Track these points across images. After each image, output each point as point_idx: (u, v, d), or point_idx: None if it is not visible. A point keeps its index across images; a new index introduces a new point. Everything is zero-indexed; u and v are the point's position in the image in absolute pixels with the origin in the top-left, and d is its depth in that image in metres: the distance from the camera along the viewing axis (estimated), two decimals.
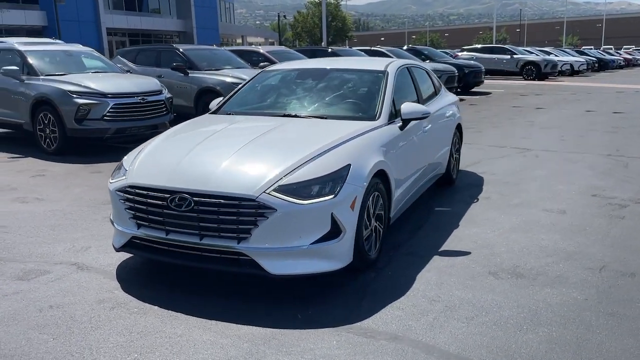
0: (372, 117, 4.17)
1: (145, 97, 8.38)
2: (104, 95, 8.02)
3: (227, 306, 3.19)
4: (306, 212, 3.13)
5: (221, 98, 5.02)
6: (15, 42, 9.35)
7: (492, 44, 45.12)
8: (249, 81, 5.10)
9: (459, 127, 6.18)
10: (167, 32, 47.20)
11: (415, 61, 6.27)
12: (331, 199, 3.20)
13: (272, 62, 10.96)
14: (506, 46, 30.39)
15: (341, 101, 4.56)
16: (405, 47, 20.59)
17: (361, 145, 3.68)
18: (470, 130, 10.27)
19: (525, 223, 4.74)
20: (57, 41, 14.71)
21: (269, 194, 3.10)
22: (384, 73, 4.65)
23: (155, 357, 2.62)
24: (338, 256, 3.30)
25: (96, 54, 10.11)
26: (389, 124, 4.18)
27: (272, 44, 65.03)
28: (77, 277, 3.59)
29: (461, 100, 16.77)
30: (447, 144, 5.71)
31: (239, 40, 60.86)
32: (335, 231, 3.23)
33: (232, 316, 3.04)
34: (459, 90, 18.64)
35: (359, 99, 4.55)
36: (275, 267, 3.13)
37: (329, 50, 16.50)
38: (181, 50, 11.35)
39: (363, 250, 3.53)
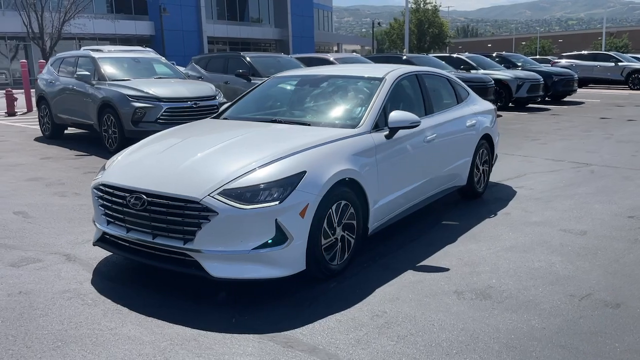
0: (354, 125, 4.09)
1: (197, 102, 8.79)
2: (158, 99, 8.53)
3: (175, 305, 3.28)
4: (248, 217, 3.15)
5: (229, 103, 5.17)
6: (91, 50, 10.20)
7: (601, 50, 42.07)
8: (257, 86, 5.21)
9: (487, 138, 5.86)
10: (264, 40, 48.95)
11: (435, 69, 6.02)
12: (276, 205, 3.19)
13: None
14: (611, 53, 28.19)
15: (330, 108, 4.53)
16: (495, 54, 19.81)
17: (327, 153, 3.63)
18: (535, 142, 9.71)
19: (530, 242, 4.41)
20: (147, 49, 15.85)
21: (213, 197, 3.16)
22: (381, 80, 4.54)
23: (76, 347, 2.77)
24: (285, 263, 3.28)
25: (163, 60, 10.74)
26: (373, 132, 4.08)
27: (369, 51, 65.22)
28: (60, 268, 3.86)
29: (545, 110, 15.93)
30: (467, 155, 5.44)
31: (335, 48, 61.68)
32: (280, 238, 3.22)
33: (172, 315, 3.13)
34: (547, 99, 17.62)
35: (347, 106, 4.49)
36: (217, 269, 3.18)
37: (404, 57, 16.26)
38: (247, 58, 11.75)
39: (321, 259, 3.48)
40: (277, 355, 2.70)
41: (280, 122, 4.34)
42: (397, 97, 4.60)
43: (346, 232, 3.73)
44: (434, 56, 17.65)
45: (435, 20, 58.51)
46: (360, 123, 4.10)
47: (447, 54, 18.38)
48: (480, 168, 5.81)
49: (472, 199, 5.77)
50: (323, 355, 2.70)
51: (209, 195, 3.17)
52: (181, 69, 11.93)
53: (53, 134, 10.61)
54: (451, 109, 5.35)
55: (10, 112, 15.88)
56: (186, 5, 39.88)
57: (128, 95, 8.57)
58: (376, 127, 4.15)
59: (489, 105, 6.19)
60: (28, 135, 11.32)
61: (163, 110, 8.48)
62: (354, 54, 15.42)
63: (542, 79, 16.62)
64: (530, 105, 16.98)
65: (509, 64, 18.94)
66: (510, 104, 16.20)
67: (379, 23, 56.02)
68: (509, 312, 3.18)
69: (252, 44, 48.55)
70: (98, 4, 37.91)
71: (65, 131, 10.82)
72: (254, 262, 3.21)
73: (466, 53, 19.07)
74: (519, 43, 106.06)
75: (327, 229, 3.51)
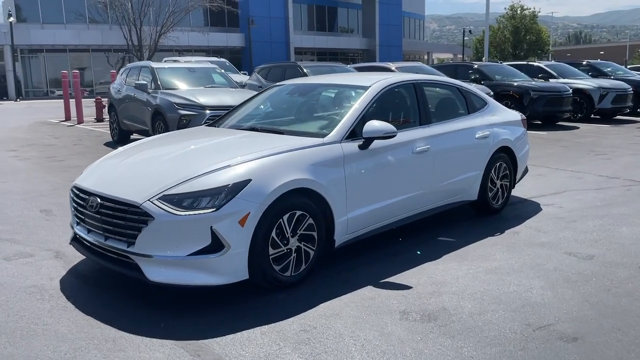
0: (324, 134, 4.01)
1: None
2: (202, 107, 8.87)
3: (119, 306, 3.39)
4: (183, 223, 3.19)
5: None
6: (152, 62, 10.84)
7: None
8: (256, 95, 5.26)
9: (506, 151, 5.49)
10: (352, 50, 49.29)
11: (440, 77, 5.73)
12: (211, 212, 3.21)
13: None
14: None
15: (308, 116, 4.48)
16: (584, 62, 18.55)
17: (282, 162, 3.58)
18: (597, 157, 9.00)
19: (521, 265, 4.08)
20: (221, 60, 16.54)
21: (152, 202, 3.24)
22: (365, 89, 4.42)
23: (5, 339, 2.94)
24: (223, 271, 3.27)
25: (219, 71, 11.15)
26: (345, 141, 3.98)
27: (461, 59, 63.48)
28: (43, 264, 4.12)
29: (634, 122, 14.62)
30: (477, 169, 5.14)
31: (426, 57, 60.77)
32: (216, 245, 3.22)
33: (108, 315, 3.23)
34: (639, 110, 16.18)
35: (324, 115, 4.41)
36: (154, 273, 3.24)
37: (475, 66, 15.67)
38: (304, 68, 11.91)
39: (268, 269, 3.44)
40: None
41: (258, 130, 4.36)
42: (383, 106, 4.46)
43: (303, 243, 3.65)
44: (510, 64, 16.85)
45: (533, 26, 55.93)
46: (331, 132, 4.01)
47: (525, 62, 17.46)
48: (497, 183, 5.45)
49: (487, 215, 5.43)
50: None
51: (148, 200, 3.25)
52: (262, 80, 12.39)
53: (120, 139, 11.36)
54: (457, 120, 5.08)
55: (99, 118, 17.24)
56: (275, 17, 41.17)
57: (175, 103, 9.00)
58: (352, 136, 4.04)
59: (512, 116, 5.81)
60: (102, 139, 12.20)
61: (207, 118, 8.79)
62: (419, 63, 15.06)
63: (630, 89, 15.32)
64: (618, 117, 15.71)
65: (597, 73, 17.62)
66: (593, 115, 15.07)
67: (469, 31, 54.41)
68: (445, 337, 2.96)
69: (340, 53, 49.07)
70: (195, 18, 40.13)
71: (131, 136, 11.53)
72: (191, 269, 3.24)
73: (548, 61, 18.01)
74: (634, 50, 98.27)
75: (276, 238, 3.47)
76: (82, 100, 17.23)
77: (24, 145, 11.27)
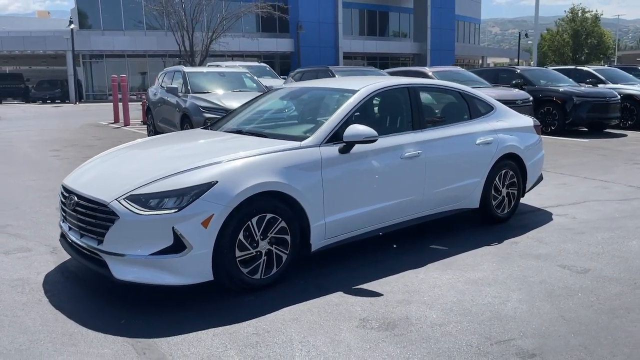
0: (303, 138, 3.99)
1: None
2: (227, 110, 9.00)
3: (89, 302, 3.50)
4: (145, 223, 3.26)
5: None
6: (184, 67, 11.14)
7: None
8: (254, 99, 5.30)
9: (513, 158, 5.29)
10: (402, 54, 48.84)
11: (441, 82, 5.54)
12: (173, 212, 3.26)
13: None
14: None
15: (297, 120, 4.46)
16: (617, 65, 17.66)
17: (253, 164, 3.59)
18: (634, 167, 8.52)
19: (507, 276, 3.91)
20: (261, 64, 16.81)
21: (119, 201, 3.32)
22: (353, 93, 4.37)
23: None
24: (186, 272, 3.31)
25: (249, 75, 11.31)
26: (324, 145, 3.94)
27: (521, 64, 61.64)
28: (37, 259, 4.30)
29: None
30: (477, 176, 4.97)
31: (480, 62, 59.42)
32: (178, 246, 3.27)
33: (76, 310, 3.34)
34: None
35: (312, 119, 4.38)
36: (119, 271, 3.32)
37: (517, 71, 15.18)
38: (334, 71, 11.92)
39: (235, 272, 3.46)
40: (118, 359, 2.76)
41: (243, 133, 4.40)
42: (373, 110, 4.40)
43: (275, 246, 3.65)
44: (556, 69, 16.23)
45: (594, 30, 53.67)
46: (311, 136, 3.99)
47: (574, 67, 16.78)
48: (503, 191, 5.25)
49: (491, 224, 5.24)
50: None
51: (115, 199, 3.34)
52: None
53: None
54: (456, 125, 4.94)
55: (144, 121, 17.84)
56: (324, 22, 41.37)
57: (201, 106, 9.21)
58: (334, 140, 4.00)
59: (523, 122, 5.59)
60: None
61: None
62: (458, 67, 14.74)
63: None
64: None
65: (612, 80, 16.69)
66: None
67: (525, 34, 52.75)
68: (395, 346, 2.88)
69: (391, 58, 48.75)
70: (248, 23, 40.91)
71: None
72: (154, 268, 3.29)
73: (599, 66, 17.22)
74: None
75: (244, 241, 3.48)
76: (136, 103, 17.87)
77: (67, 146, 11.80)
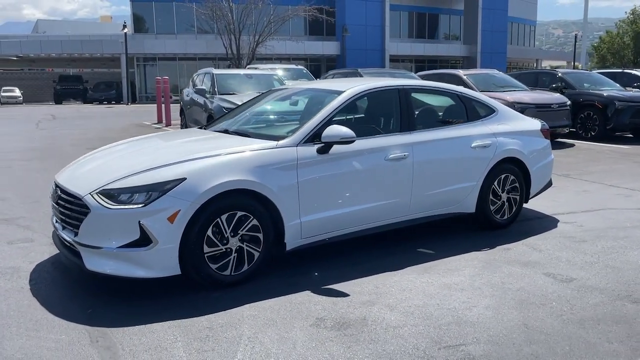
0: (282, 137, 4.03)
1: None
2: None
3: (68, 292, 3.66)
4: (113, 216, 3.39)
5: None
6: (214, 69, 11.40)
7: None
8: (249, 100, 5.38)
9: (515, 162, 5.15)
10: (452, 57, 48.06)
11: (436, 84, 5.38)
12: (139, 207, 3.37)
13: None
14: None
15: (284, 119, 4.50)
16: None
17: (225, 163, 3.66)
18: None
19: (484, 283, 3.83)
20: (299, 67, 17.00)
21: (92, 195, 3.47)
22: (339, 94, 4.38)
23: None
24: (153, 265, 3.42)
25: (276, 77, 11.46)
26: (302, 145, 3.97)
27: (577, 66, 59.40)
28: (35, 249, 4.53)
29: None
30: (472, 179, 4.87)
31: (534, 64, 57.68)
32: (144, 240, 3.38)
33: (50, 299, 3.51)
34: None
35: (297, 118, 4.41)
36: (91, 263, 3.46)
37: (558, 74, 14.66)
38: (362, 73, 11.90)
39: (202, 267, 3.54)
40: (73, 346, 2.88)
41: (229, 132, 4.48)
42: (358, 111, 4.40)
43: (246, 243, 3.71)
44: (601, 72, 15.57)
45: None
46: (288, 136, 4.03)
47: (621, 70, 16.07)
48: (503, 196, 5.12)
49: (489, 229, 5.12)
50: (106, 352, 2.80)
51: (89, 193, 3.48)
52: None
53: None
54: (449, 127, 4.86)
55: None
56: (371, 25, 41.28)
57: (225, 107, 9.40)
58: (314, 140, 4.03)
59: (528, 125, 5.43)
60: None
61: None
62: (494, 70, 14.37)
63: None
64: None
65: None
66: None
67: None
68: (341, 346, 2.88)
69: (440, 61, 48.08)
70: (296, 27, 41.38)
71: None
72: (123, 261, 3.42)
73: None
74: None
75: (213, 237, 3.56)
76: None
77: (106, 144, 12.29)
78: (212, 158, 3.69)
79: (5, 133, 14.87)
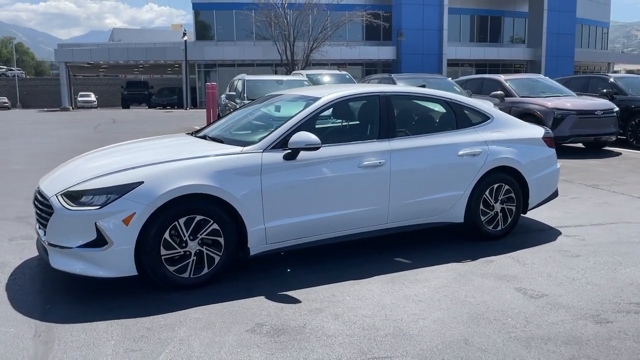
0: (249, 143, 4.08)
1: None
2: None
3: (45, 288, 3.86)
4: (72, 217, 3.55)
5: None
6: (246, 75, 11.66)
7: None
8: (244, 106, 5.47)
9: (510, 171, 4.95)
10: (514, 61, 46.54)
11: (424, 90, 5.20)
12: (95, 209, 3.51)
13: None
14: None
15: (261, 126, 4.53)
16: None
17: (185, 167, 3.74)
18: None
19: (448, 294, 3.71)
20: (342, 72, 17.11)
21: (57, 196, 3.65)
22: (315, 100, 4.37)
23: None
24: (109, 265, 3.55)
25: (307, 82, 11.54)
26: (268, 151, 4.00)
27: None
28: (30, 247, 4.76)
29: None
30: (459, 188, 4.72)
31: (605, 68, 54.82)
32: (100, 240, 3.52)
33: (23, 295, 3.72)
34: None
35: (274, 124, 4.43)
36: (56, 261, 3.64)
37: (610, 79, 13.88)
38: (395, 79, 11.77)
39: (159, 269, 3.63)
40: (16, 339, 3.05)
41: (207, 138, 4.58)
42: (334, 118, 4.38)
43: (206, 247, 3.78)
44: None
45: None
46: (256, 142, 4.07)
47: None
48: (496, 206, 4.93)
49: (481, 240, 4.93)
50: (42, 346, 2.94)
51: (54, 195, 3.67)
52: None
53: None
54: (435, 134, 4.73)
55: None
56: (428, 29, 40.66)
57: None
58: (283, 146, 4.05)
59: (527, 133, 5.20)
60: None
61: None
62: (540, 75, 13.80)
63: None
64: None
65: None
66: None
67: None
68: (264, 352, 2.88)
69: (502, 65, 46.68)
70: (353, 32, 41.46)
71: None
72: (82, 260, 3.57)
73: None
74: None
75: (170, 240, 3.65)
76: None
77: None
78: (173, 163, 3.79)
79: (60, 135, 15.79)
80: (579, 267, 4.28)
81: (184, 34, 35.25)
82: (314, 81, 17.08)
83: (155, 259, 3.62)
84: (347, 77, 17.57)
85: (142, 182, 3.60)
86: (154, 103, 41.05)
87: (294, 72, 18.56)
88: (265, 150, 4.02)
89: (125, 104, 43.00)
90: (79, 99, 44.35)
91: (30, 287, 3.86)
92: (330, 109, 4.45)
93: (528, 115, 11.33)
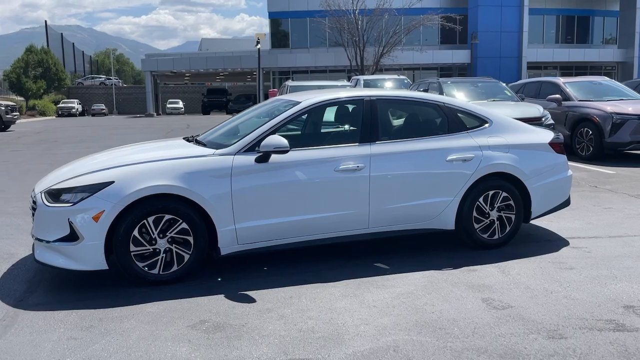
0: (224, 146, 4.21)
1: None
2: None
3: (35, 278, 4.19)
4: (49, 213, 3.84)
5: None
6: (290, 81, 11.86)
7: None
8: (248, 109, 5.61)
9: (508, 178, 4.74)
10: (603, 63, 43.75)
11: (413, 93, 5.00)
12: (68, 206, 3.78)
13: None
14: None
15: (244, 130, 4.61)
16: None
17: (155, 168, 3.92)
18: None
19: (404, 302, 3.64)
20: (401, 77, 17.05)
21: (41, 194, 3.96)
22: (295, 104, 4.43)
23: None
24: (81, 259, 3.79)
25: (406, 84, 11.55)
26: (240, 154, 4.11)
27: None
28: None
29: None
30: (448, 194, 4.59)
31: None
32: (72, 235, 3.77)
33: (11, 283, 4.06)
34: None
35: (246, 128, 4.52)
36: (38, 254, 3.95)
37: None
38: (442, 84, 11.53)
39: (129, 264, 3.83)
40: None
41: (192, 141, 4.76)
42: (312, 122, 4.43)
43: (175, 245, 3.95)
44: None
45: None
46: (229, 145, 4.20)
47: None
48: (492, 214, 4.74)
49: (474, 249, 4.76)
50: (1, 330, 3.22)
51: (39, 192, 3.99)
52: None
53: None
54: (422, 139, 4.61)
55: None
56: (506, 31, 39.19)
57: None
58: (252, 149, 4.15)
59: (530, 139, 4.93)
60: None
61: None
62: (604, 78, 12.92)
63: None
64: None
65: None
66: None
67: None
68: (190, 346, 2.98)
69: (590, 67, 44.08)
70: (427, 36, 40.86)
71: None
72: (58, 253, 3.84)
73: None
74: None
75: (139, 237, 3.85)
76: None
77: None
78: (145, 164, 3.99)
79: (128, 140, 16.82)
80: (566, 280, 4.02)
81: (257, 43, 36.41)
82: (370, 86, 17.07)
83: (125, 254, 3.83)
84: (406, 81, 17.40)
85: (113, 182, 3.83)
86: (231, 109, 42.55)
87: (353, 77, 18.62)
88: (237, 153, 4.13)
89: (206, 110, 44.94)
90: (168, 105, 47.00)
91: (22, 277, 4.20)
92: (307, 114, 4.49)
93: (585, 121, 10.72)
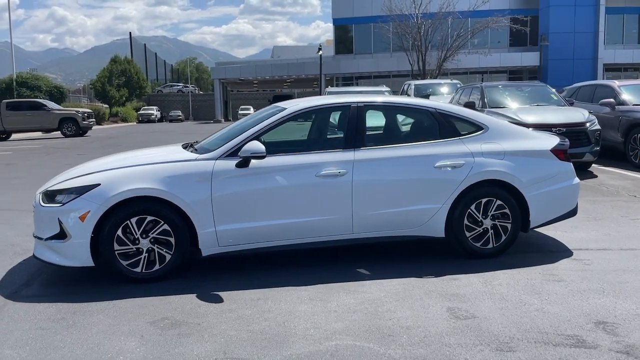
0: (208, 151, 4.37)
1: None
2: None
3: (30, 270, 4.53)
4: (43, 213, 4.14)
5: None
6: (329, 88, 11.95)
7: None
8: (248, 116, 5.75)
9: (503, 186, 4.59)
10: None
11: (405, 99, 4.94)
12: (57, 207, 4.06)
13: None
14: None
15: (230, 135, 4.73)
16: None
17: (139, 172, 4.14)
18: None
19: (367, 308, 3.63)
20: (454, 82, 16.81)
21: (40, 194, 4.29)
22: (280, 111, 4.52)
23: None
24: (70, 256, 4.07)
25: (388, 94, 11.49)
26: (222, 159, 4.25)
27: None
28: None
29: None
30: (436, 201, 4.50)
31: None
32: (62, 234, 4.06)
33: (10, 275, 4.42)
34: None
35: (233, 134, 4.63)
36: (37, 250, 4.26)
37: None
38: (484, 88, 11.22)
39: (113, 262, 4.07)
40: None
41: (182, 146, 4.95)
42: (296, 128, 4.49)
43: (157, 246, 4.15)
44: None
45: None
46: (212, 150, 4.35)
47: None
48: (486, 222, 4.60)
49: (468, 258, 4.64)
50: None
51: (39, 192, 4.31)
52: None
53: None
54: (409, 145, 4.56)
55: None
56: (581, 32, 37.32)
57: None
58: (234, 154, 4.28)
59: (529, 145, 4.74)
60: None
61: None
62: None
63: None
64: None
65: None
66: None
67: None
68: (141, 342, 3.14)
69: None
70: (497, 38, 39.68)
71: None
72: (49, 249, 4.14)
73: None
74: None
75: (123, 237, 4.08)
76: None
77: None
78: (131, 168, 4.22)
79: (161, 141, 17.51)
80: (547, 292, 3.85)
81: (319, 49, 36.82)
82: (421, 91, 16.86)
83: (109, 253, 4.06)
84: (459, 85, 17.05)
85: (99, 185, 4.08)
86: None
87: (405, 82, 18.48)
88: (219, 158, 4.28)
89: None
90: (240, 112, 48.51)
91: (26, 270, 4.55)
92: (297, 119, 4.56)
93: (638, 127, 10.06)
